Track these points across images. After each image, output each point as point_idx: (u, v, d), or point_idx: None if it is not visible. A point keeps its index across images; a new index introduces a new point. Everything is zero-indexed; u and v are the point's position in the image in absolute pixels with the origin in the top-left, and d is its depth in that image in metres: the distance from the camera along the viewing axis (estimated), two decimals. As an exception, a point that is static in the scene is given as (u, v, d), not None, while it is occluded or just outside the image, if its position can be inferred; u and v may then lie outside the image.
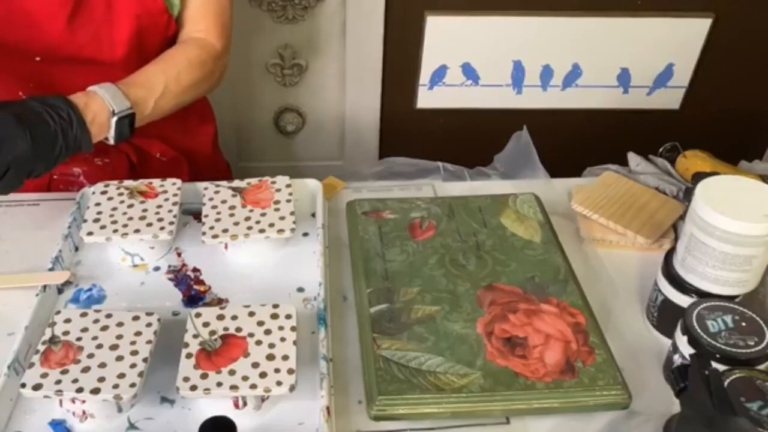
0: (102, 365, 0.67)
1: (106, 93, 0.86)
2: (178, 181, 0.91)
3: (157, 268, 0.86)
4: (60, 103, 0.81)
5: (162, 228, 0.83)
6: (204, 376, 0.66)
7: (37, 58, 0.89)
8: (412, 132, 1.89)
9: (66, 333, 0.70)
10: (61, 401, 0.68)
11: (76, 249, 0.87)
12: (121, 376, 0.66)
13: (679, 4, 1.71)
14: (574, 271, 0.84)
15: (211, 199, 0.88)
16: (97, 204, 0.86)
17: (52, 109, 0.80)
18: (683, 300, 0.76)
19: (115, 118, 0.86)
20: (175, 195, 0.89)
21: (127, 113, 0.87)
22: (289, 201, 0.88)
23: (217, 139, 1.20)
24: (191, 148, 1.13)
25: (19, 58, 0.91)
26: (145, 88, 0.91)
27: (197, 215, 0.91)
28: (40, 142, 0.78)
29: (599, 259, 0.91)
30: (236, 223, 0.85)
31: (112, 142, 0.88)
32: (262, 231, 0.84)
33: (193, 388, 0.65)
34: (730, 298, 0.74)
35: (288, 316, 0.72)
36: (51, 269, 0.82)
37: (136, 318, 0.72)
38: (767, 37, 1.79)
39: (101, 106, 0.85)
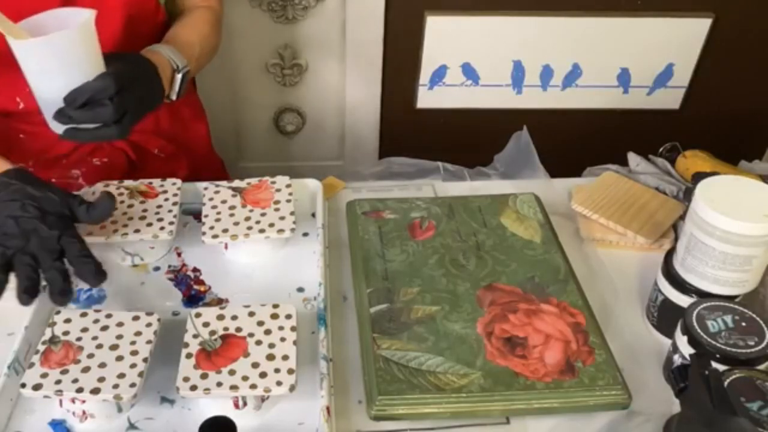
0: (102, 365, 0.67)
1: (168, 51, 0.89)
2: (178, 181, 0.91)
3: (157, 268, 0.86)
4: (144, 58, 0.85)
5: (162, 228, 0.83)
6: (204, 376, 0.66)
7: None
8: (412, 132, 1.89)
9: (66, 333, 0.70)
10: (61, 401, 0.68)
11: (76, 249, 0.87)
12: (121, 376, 0.66)
13: (679, 4, 1.70)
14: (574, 271, 0.84)
15: (211, 199, 0.88)
16: (97, 204, 0.86)
17: (146, 62, 0.84)
18: (683, 300, 0.76)
19: (179, 75, 0.89)
20: (175, 195, 0.89)
21: (185, 70, 0.90)
22: (289, 201, 0.88)
23: (210, 135, 1.21)
24: (187, 143, 1.13)
25: (13, 62, 0.91)
26: (187, 47, 0.94)
27: (197, 215, 0.91)
28: (148, 91, 0.84)
29: (599, 259, 0.91)
30: (236, 223, 0.85)
31: (174, 97, 0.90)
32: (262, 231, 0.84)
33: (193, 388, 0.65)
34: (730, 298, 0.74)
35: (288, 316, 0.73)
36: (51, 269, 0.81)
37: (136, 318, 0.72)
38: (767, 37, 1.79)
39: (165, 63, 0.88)
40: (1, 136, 1.02)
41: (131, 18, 0.93)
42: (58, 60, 0.74)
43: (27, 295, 0.70)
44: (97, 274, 0.73)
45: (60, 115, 0.77)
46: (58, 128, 0.79)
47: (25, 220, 0.71)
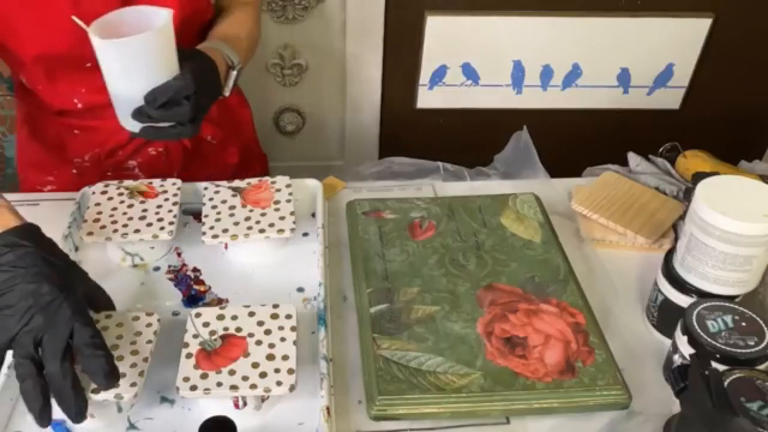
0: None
1: (224, 48, 0.90)
2: (178, 181, 0.91)
3: (157, 268, 0.86)
4: (208, 56, 0.86)
5: (162, 228, 0.83)
6: (204, 376, 0.66)
7: (88, 64, 0.90)
8: (412, 132, 1.89)
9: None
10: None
11: (76, 249, 0.87)
12: (122, 375, 0.66)
13: (679, 4, 1.70)
14: (574, 271, 0.84)
15: (211, 199, 0.88)
16: (97, 204, 0.86)
17: (210, 60, 0.85)
18: (683, 300, 0.76)
19: (234, 72, 0.90)
20: (175, 195, 0.89)
21: (239, 67, 0.91)
22: (289, 201, 0.88)
23: (254, 123, 1.22)
24: (235, 129, 1.14)
25: (71, 65, 0.93)
26: (237, 42, 0.94)
27: (197, 215, 0.91)
28: (214, 89, 0.86)
29: (599, 259, 0.91)
30: (236, 223, 0.85)
31: (227, 94, 0.91)
32: (262, 231, 0.84)
33: (193, 388, 0.65)
34: (730, 298, 0.73)
35: (288, 316, 0.72)
36: (51, 269, 0.81)
37: (136, 318, 0.72)
38: (767, 37, 1.79)
39: (221, 60, 0.89)
40: (56, 134, 1.03)
41: (185, 20, 0.93)
42: (141, 60, 0.75)
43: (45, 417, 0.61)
44: (109, 374, 0.61)
45: (139, 114, 0.77)
46: (134, 126, 0.79)
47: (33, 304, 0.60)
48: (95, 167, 1.03)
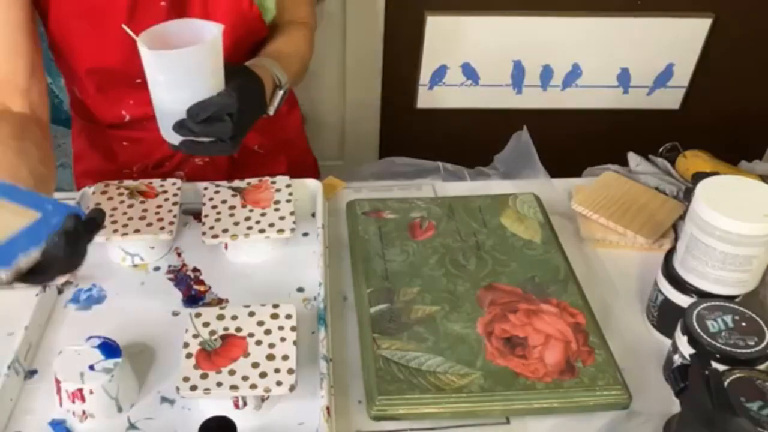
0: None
1: (273, 66, 0.88)
2: (178, 181, 0.91)
3: (157, 268, 0.86)
4: (255, 74, 0.85)
5: (162, 228, 0.83)
6: (204, 376, 0.66)
7: (138, 80, 0.90)
8: (412, 132, 1.89)
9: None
10: (61, 401, 0.68)
11: (76, 249, 0.87)
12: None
13: (679, 4, 1.70)
14: (574, 271, 0.84)
15: (211, 199, 0.88)
16: (97, 204, 0.86)
17: (256, 78, 0.84)
18: (683, 300, 0.76)
19: (281, 92, 0.89)
20: (175, 195, 0.89)
21: (287, 87, 0.90)
22: (289, 201, 0.88)
23: (304, 128, 1.20)
24: (284, 138, 1.13)
25: (121, 80, 0.93)
26: (287, 62, 0.93)
27: (197, 215, 0.91)
28: (258, 107, 0.85)
29: (599, 259, 0.91)
30: (236, 223, 0.85)
31: (272, 113, 0.89)
32: (262, 231, 0.84)
33: (193, 388, 0.65)
34: (730, 298, 0.73)
35: (288, 316, 0.73)
36: (51, 269, 0.81)
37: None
38: (767, 37, 1.79)
39: (269, 78, 0.87)
40: (105, 145, 1.04)
41: (237, 40, 0.92)
42: (186, 73, 0.74)
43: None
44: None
45: (180, 127, 0.76)
46: (174, 139, 0.78)
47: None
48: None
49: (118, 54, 0.88)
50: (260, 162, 1.08)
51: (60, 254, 0.61)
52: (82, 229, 0.64)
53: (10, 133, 0.79)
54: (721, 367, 0.66)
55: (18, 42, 0.83)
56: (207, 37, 0.75)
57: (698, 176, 0.93)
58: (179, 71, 0.74)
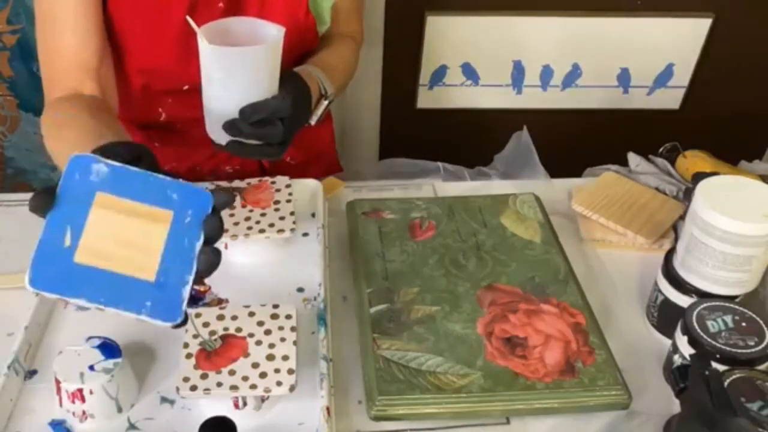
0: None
1: (321, 76, 0.88)
2: (178, 181, 0.91)
3: (157, 268, 0.86)
4: (305, 82, 0.84)
5: (162, 228, 0.83)
6: (204, 376, 0.66)
7: (185, 87, 0.89)
8: (412, 132, 1.89)
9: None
10: (60, 401, 0.68)
11: (76, 249, 0.87)
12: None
13: (679, 4, 1.70)
14: (574, 271, 0.84)
15: (211, 199, 0.88)
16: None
17: (306, 85, 0.84)
18: (683, 300, 0.76)
19: (326, 102, 0.88)
20: (175, 195, 0.88)
21: (331, 98, 0.89)
22: (289, 201, 0.88)
23: (335, 142, 1.19)
24: (315, 150, 1.12)
25: (170, 83, 0.93)
26: (333, 73, 0.92)
27: (197, 215, 0.91)
28: (305, 114, 0.85)
29: (599, 259, 0.91)
30: (236, 223, 0.85)
31: (313, 122, 0.88)
32: (262, 231, 0.84)
33: (193, 388, 0.65)
34: (730, 298, 0.73)
35: (288, 316, 0.73)
36: (51, 269, 0.81)
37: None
38: (767, 37, 1.79)
39: (316, 87, 0.87)
40: None
41: (292, 44, 0.91)
42: (244, 72, 0.73)
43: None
44: None
45: (230, 127, 0.75)
46: (222, 138, 0.77)
47: None
48: None
49: (172, 57, 0.88)
50: (290, 173, 1.07)
51: (210, 270, 0.56)
52: (221, 229, 0.57)
53: (87, 109, 0.79)
54: (721, 368, 0.66)
55: (89, 30, 0.83)
56: (267, 38, 0.73)
57: (698, 176, 0.93)
58: (237, 69, 0.72)
